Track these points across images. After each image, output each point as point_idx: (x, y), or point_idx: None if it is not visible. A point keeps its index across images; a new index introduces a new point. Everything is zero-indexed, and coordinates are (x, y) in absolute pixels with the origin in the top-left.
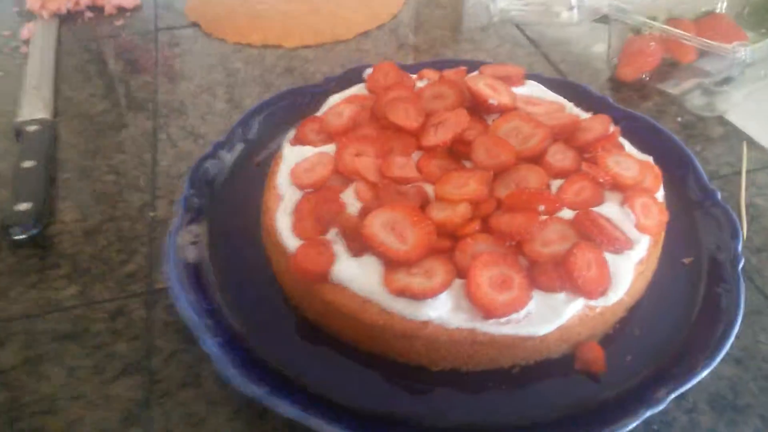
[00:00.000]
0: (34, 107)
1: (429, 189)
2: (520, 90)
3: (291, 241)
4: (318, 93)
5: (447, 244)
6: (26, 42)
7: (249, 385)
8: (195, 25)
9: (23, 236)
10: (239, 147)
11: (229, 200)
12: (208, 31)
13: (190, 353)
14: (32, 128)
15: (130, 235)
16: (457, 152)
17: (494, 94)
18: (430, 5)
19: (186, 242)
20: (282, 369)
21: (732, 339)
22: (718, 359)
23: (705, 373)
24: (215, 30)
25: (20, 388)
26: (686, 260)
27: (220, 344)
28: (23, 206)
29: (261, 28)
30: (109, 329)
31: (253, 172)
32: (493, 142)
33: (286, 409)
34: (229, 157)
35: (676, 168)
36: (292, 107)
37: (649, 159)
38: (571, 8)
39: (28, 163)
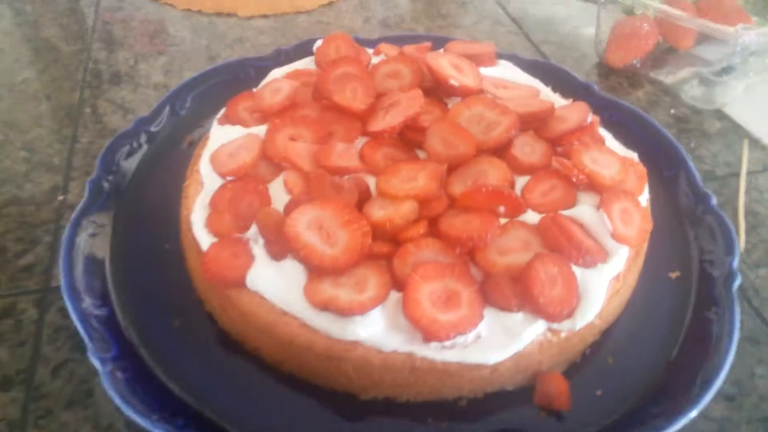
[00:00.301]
0: None
1: (371, 182)
2: (490, 71)
3: (204, 238)
4: (264, 67)
5: (385, 249)
6: None
7: (137, 412)
8: None
9: None
10: (168, 124)
11: (149, 185)
12: None
13: (83, 365)
14: None
15: (34, 222)
16: (410, 140)
17: (457, 75)
18: None
19: (87, 233)
20: (186, 389)
21: (724, 374)
22: (707, 399)
23: (691, 414)
24: None
25: None
26: (672, 274)
27: (110, 359)
28: None
29: None
30: None
31: (181, 154)
32: (451, 130)
33: None
34: (155, 135)
35: (665, 167)
36: (234, 82)
37: (634, 156)
38: None
39: None
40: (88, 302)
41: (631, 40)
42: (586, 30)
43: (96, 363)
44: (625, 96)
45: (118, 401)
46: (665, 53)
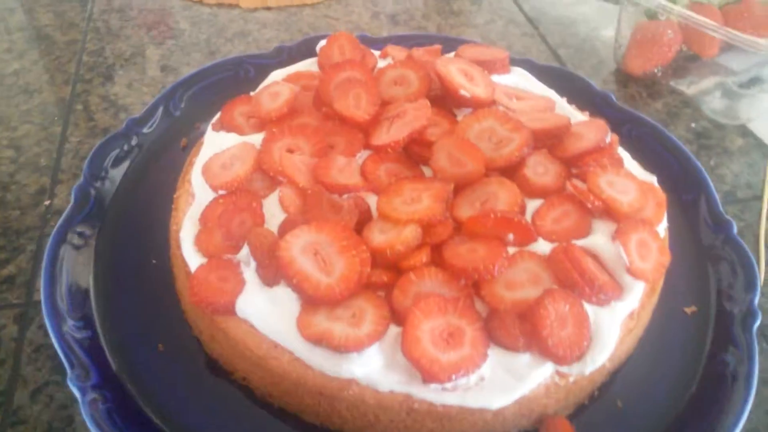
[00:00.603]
0: None
1: (372, 200)
2: (503, 79)
3: (193, 257)
4: (264, 65)
5: (384, 278)
6: None
7: None
8: None
9: None
10: (162, 125)
11: (138, 193)
12: None
13: (63, 389)
14: None
15: (18, 228)
16: (414, 155)
17: (467, 84)
18: None
19: (72, 246)
20: (170, 421)
21: (742, 424)
22: None
23: None
24: None
25: None
26: (688, 310)
27: (91, 387)
28: None
29: None
30: None
31: (174, 158)
32: (459, 147)
33: None
34: (147, 137)
35: (685, 189)
36: (233, 81)
37: (653, 180)
38: None
39: None
40: (69, 324)
41: (653, 46)
42: (606, 32)
43: (75, 391)
44: (644, 107)
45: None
46: (688, 61)
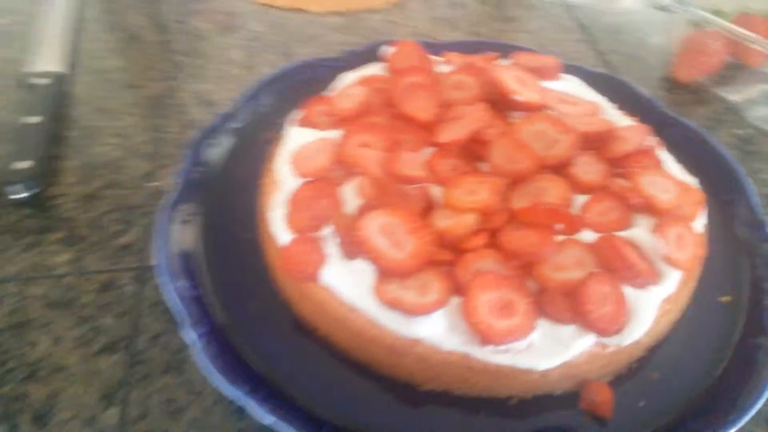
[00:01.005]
0: (46, 58)
1: (435, 191)
2: (554, 84)
3: (283, 234)
4: (336, 67)
5: (448, 256)
6: None
7: (225, 383)
8: None
9: (20, 196)
10: (247, 120)
11: (230, 178)
12: None
13: (175, 337)
14: (41, 81)
15: (130, 205)
16: (473, 152)
17: (521, 89)
18: None
19: (179, 220)
20: (264, 367)
21: (763, 399)
22: (745, 419)
23: None
24: None
25: (6, 352)
26: (723, 299)
27: (202, 335)
28: (23, 164)
29: None
30: (97, 302)
31: (259, 150)
32: (514, 146)
33: (261, 415)
34: (235, 130)
35: (723, 190)
36: (308, 81)
37: (693, 180)
38: None
39: (32, 119)
40: (181, 283)
41: (699, 56)
42: (656, 39)
43: (190, 337)
44: (689, 113)
45: (208, 372)
46: (734, 69)
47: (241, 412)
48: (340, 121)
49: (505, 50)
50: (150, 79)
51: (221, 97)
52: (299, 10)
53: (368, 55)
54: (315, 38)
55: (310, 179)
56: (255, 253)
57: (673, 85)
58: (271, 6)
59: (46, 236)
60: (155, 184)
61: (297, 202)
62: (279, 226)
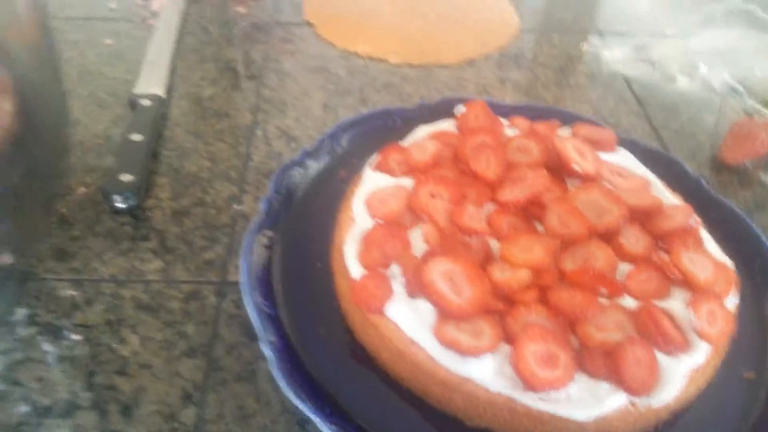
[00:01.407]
0: (149, 82)
1: (493, 244)
2: (609, 157)
3: (355, 268)
4: (409, 118)
5: (501, 306)
6: (154, 14)
7: (294, 395)
8: (309, 24)
9: (123, 206)
10: (325, 158)
11: (308, 209)
12: (320, 32)
13: (249, 349)
14: (146, 102)
15: (215, 223)
16: (530, 212)
17: (580, 160)
18: (541, 43)
19: (260, 243)
20: (327, 386)
21: None
22: None
23: None
24: (327, 33)
25: (100, 346)
26: (747, 375)
27: (276, 350)
28: (127, 177)
29: (370, 39)
30: (182, 309)
31: (334, 186)
32: (568, 211)
33: (324, 430)
34: (315, 166)
35: (757, 272)
36: (382, 128)
37: (729, 262)
38: (689, 75)
39: (136, 136)
40: (260, 301)
41: (747, 141)
42: (707, 118)
43: (266, 351)
44: (733, 194)
45: (281, 385)
46: None
47: (303, 424)
48: (413, 170)
49: (567, 119)
50: (238, 109)
51: (302, 133)
52: (378, 60)
53: (440, 109)
54: (389, 86)
55: (382, 221)
56: (326, 281)
57: (719, 166)
58: (353, 53)
59: (139, 244)
60: (239, 207)
61: (370, 241)
62: (352, 260)
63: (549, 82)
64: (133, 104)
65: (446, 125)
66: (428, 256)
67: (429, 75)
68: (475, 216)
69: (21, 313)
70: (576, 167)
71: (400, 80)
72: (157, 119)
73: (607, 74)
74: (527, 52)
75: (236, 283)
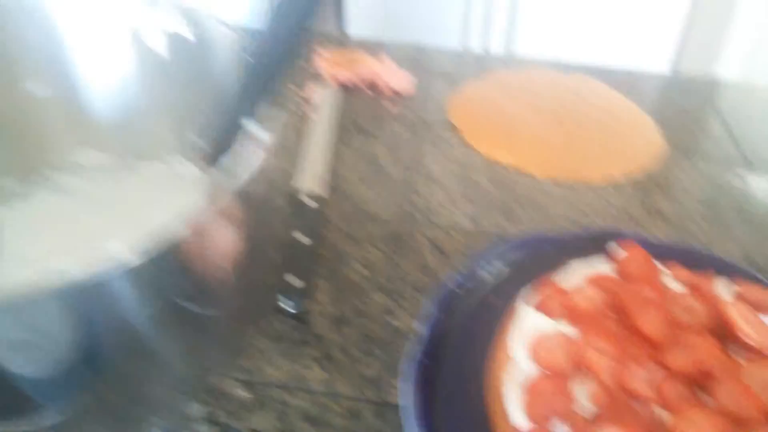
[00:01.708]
0: (312, 181)
1: (659, 412)
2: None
3: (518, 417)
4: (560, 247)
5: None
6: (306, 100)
7: None
8: (454, 127)
9: (292, 311)
10: (477, 280)
11: (461, 336)
12: (464, 136)
13: None
14: (311, 203)
15: (373, 337)
16: (695, 380)
17: (748, 330)
18: (687, 170)
19: (421, 365)
20: None
21: None
22: None
23: None
24: (471, 138)
25: None
26: None
27: None
28: (295, 281)
29: (514, 149)
30: (347, 428)
31: (488, 313)
32: (741, 390)
33: None
34: (466, 289)
35: None
36: (534, 254)
37: None
38: None
39: (303, 239)
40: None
41: None
42: None
43: None
44: None
45: None
46: None
47: None
48: (575, 318)
49: (725, 270)
50: (392, 214)
51: (452, 248)
52: (523, 173)
53: (592, 243)
54: (534, 203)
55: (547, 372)
56: (480, 415)
57: None
58: (497, 163)
59: (302, 350)
60: (395, 324)
61: (535, 393)
62: (513, 408)
63: (698, 217)
64: (293, 199)
65: (603, 267)
66: (597, 421)
67: (573, 193)
68: (639, 378)
69: (197, 408)
70: (747, 340)
71: (543, 197)
72: (320, 221)
73: (755, 213)
74: (672, 179)
75: (394, 406)
